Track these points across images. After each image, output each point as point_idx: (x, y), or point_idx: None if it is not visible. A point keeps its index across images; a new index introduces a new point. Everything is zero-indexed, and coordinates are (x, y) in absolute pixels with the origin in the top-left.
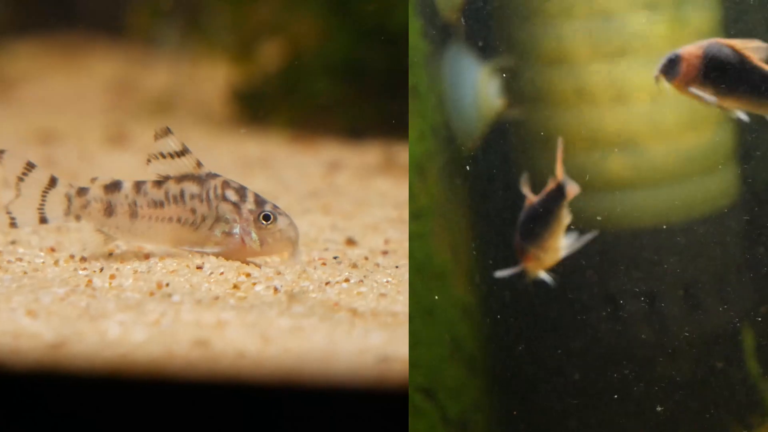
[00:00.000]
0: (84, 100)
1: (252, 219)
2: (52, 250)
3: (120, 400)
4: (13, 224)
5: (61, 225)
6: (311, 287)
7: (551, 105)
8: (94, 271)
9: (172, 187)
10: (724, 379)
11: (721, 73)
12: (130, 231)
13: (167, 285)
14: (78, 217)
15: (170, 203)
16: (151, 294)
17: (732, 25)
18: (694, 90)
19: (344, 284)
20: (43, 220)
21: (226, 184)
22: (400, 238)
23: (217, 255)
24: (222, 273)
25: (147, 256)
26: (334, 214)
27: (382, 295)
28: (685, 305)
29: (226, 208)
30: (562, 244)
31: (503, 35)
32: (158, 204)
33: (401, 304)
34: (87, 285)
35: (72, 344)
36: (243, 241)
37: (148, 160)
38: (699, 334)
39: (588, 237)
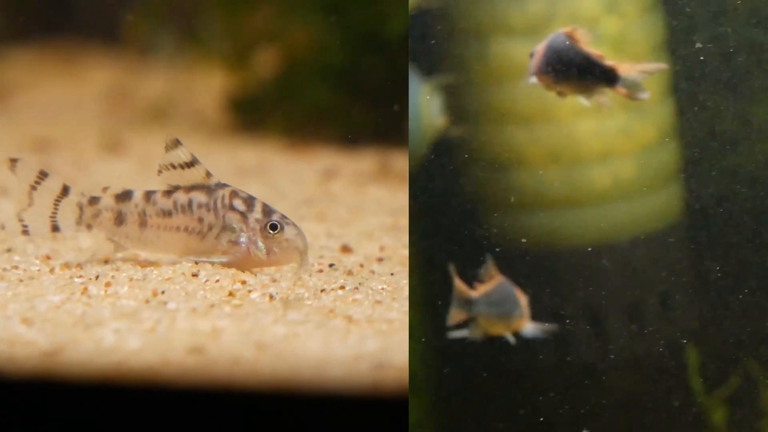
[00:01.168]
0: (80, 107)
1: (259, 228)
2: (48, 258)
3: (115, 408)
4: (25, 232)
5: (72, 234)
6: (307, 294)
7: (493, 123)
8: (90, 279)
9: (181, 197)
10: (669, 398)
11: (558, 62)
12: (139, 240)
13: (163, 293)
14: (89, 226)
15: (178, 213)
16: (147, 302)
17: (678, 45)
18: (544, 78)
19: (339, 291)
20: (55, 229)
21: (234, 193)
22: (395, 245)
23: (223, 264)
24: (218, 280)
25: (143, 264)
26: (329, 221)
27: (378, 302)
28: (629, 324)
29: (233, 218)
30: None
31: (446, 53)
32: (167, 213)
33: (396, 311)
34: (82, 293)
35: (67, 352)
36: (249, 250)
37: (159, 171)
38: (643, 353)
39: (549, 329)
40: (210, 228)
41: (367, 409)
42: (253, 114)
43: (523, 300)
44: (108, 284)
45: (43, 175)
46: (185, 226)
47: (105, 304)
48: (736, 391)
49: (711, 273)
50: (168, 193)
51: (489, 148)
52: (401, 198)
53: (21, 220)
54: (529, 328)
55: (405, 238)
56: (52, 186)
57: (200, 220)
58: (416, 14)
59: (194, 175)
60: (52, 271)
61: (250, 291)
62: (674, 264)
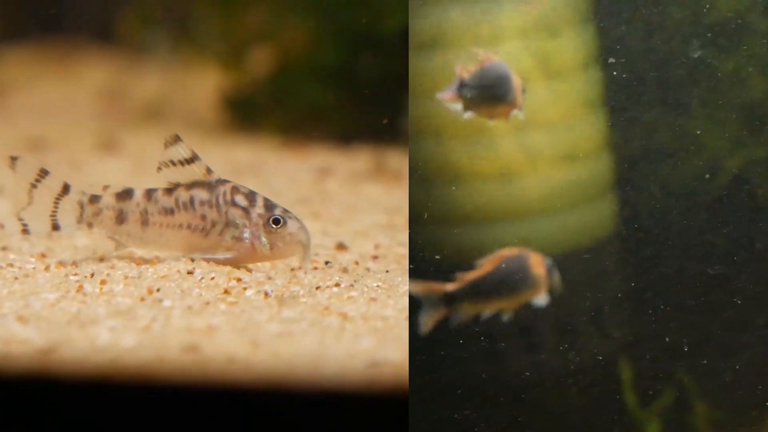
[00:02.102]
0: (75, 107)
1: (261, 223)
2: (43, 256)
3: (110, 406)
4: (25, 231)
5: (68, 232)
6: (302, 292)
7: (428, 137)
8: (85, 277)
9: (182, 194)
10: (601, 411)
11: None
12: (141, 238)
13: (158, 290)
14: (90, 225)
15: (180, 210)
16: (142, 299)
17: (609, 55)
18: (450, 103)
19: (335, 289)
20: (56, 227)
21: (235, 189)
22: (390, 243)
23: (227, 261)
24: (213, 278)
25: (138, 262)
26: (324, 219)
27: (373, 299)
28: (562, 337)
29: (235, 213)
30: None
31: None
32: (168, 211)
33: (391, 308)
34: (78, 291)
35: (62, 350)
36: (253, 245)
37: (159, 168)
38: (576, 366)
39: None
40: (213, 225)
41: (362, 407)
42: (248, 113)
43: None
44: (103, 282)
45: (43, 173)
46: (188, 223)
47: (100, 302)
48: (670, 405)
49: (645, 286)
50: (169, 190)
51: (423, 163)
52: (396, 196)
53: (21, 219)
54: (542, 298)
55: (400, 236)
56: (52, 184)
57: (203, 217)
58: None
59: (194, 172)
60: (47, 269)
61: (245, 288)
62: (607, 278)
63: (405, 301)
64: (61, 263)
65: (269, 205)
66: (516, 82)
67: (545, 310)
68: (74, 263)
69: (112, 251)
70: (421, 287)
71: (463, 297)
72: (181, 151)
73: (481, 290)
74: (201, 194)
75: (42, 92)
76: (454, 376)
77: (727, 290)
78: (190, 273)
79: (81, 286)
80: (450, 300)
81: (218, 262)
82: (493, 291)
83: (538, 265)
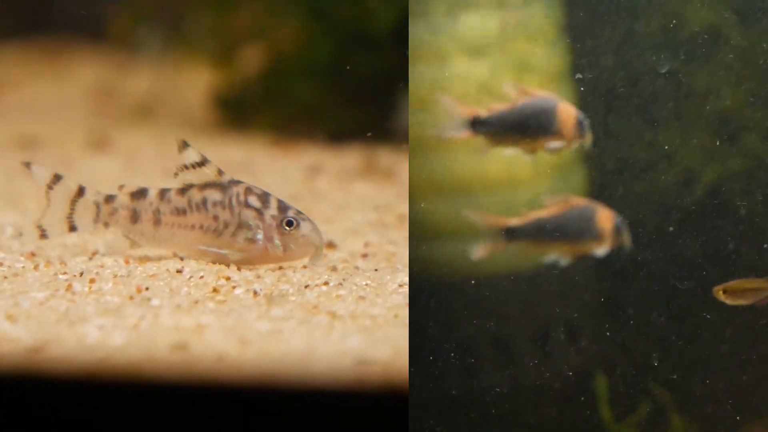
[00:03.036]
0: (66, 105)
1: (275, 225)
2: (33, 254)
3: (99, 404)
4: (43, 236)
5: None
6: (291, 290)
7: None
8: (74, 276)
9: (195, 195)
10: (578, 426)
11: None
12: (154, 238)
13: (147, 289)
14: (106, 224)
15: (193, 211)
16: (131, 298)
17: (585, 71)
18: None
19: (323, 287)
20: (73, 229)
21: (248, 190)
22: (379, 241)
23: (239, 262)
24: (202, 277)
25: (127, 260)
26: (314, 217)
27: (361, 297)
28: (537, 352)
29: (248, 215)
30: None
31: None
32: (181, 211)
33: (380, 306)
34: (67, 289)
35: (51, 348)
36: (266, 247)
37: (175, 174)
38: (551, 381)
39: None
40: (226, 226)
41: (350, 405)
42: (239, 111)
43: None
44: (92, 281)
45: (57, 177)
46: (200, 224)
47: (89, 301)
48: (645, 419)
49: (620, 300)
50: (182, 191)
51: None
52: (386, 195)
53: (38, 224)
54: (603, 250)
55: (390, 234)
56: (67, 187)
57: (215, 217)
58: None
59: (206, 174)
60: (36, 267)
61: (234, 287)
62: (582, 292)
63: (394, 300)
64: (51, 262)
65: (283, 207)
66: (565, 114)
67: (519, 324)
68: (63, 262)
69: (127, 250)
70: (483, 218)
71: (525, 234)
72: (192, 155)
73: (543, 230)
74: (214, 195)
75: (34, 91)
76: (429, 390)
77: (698, 303)
78: (179, 271)
79: (70, 285)
80: (511, 234)
81: (229, 261)
82: (555, 233)
83: (606, 220)
